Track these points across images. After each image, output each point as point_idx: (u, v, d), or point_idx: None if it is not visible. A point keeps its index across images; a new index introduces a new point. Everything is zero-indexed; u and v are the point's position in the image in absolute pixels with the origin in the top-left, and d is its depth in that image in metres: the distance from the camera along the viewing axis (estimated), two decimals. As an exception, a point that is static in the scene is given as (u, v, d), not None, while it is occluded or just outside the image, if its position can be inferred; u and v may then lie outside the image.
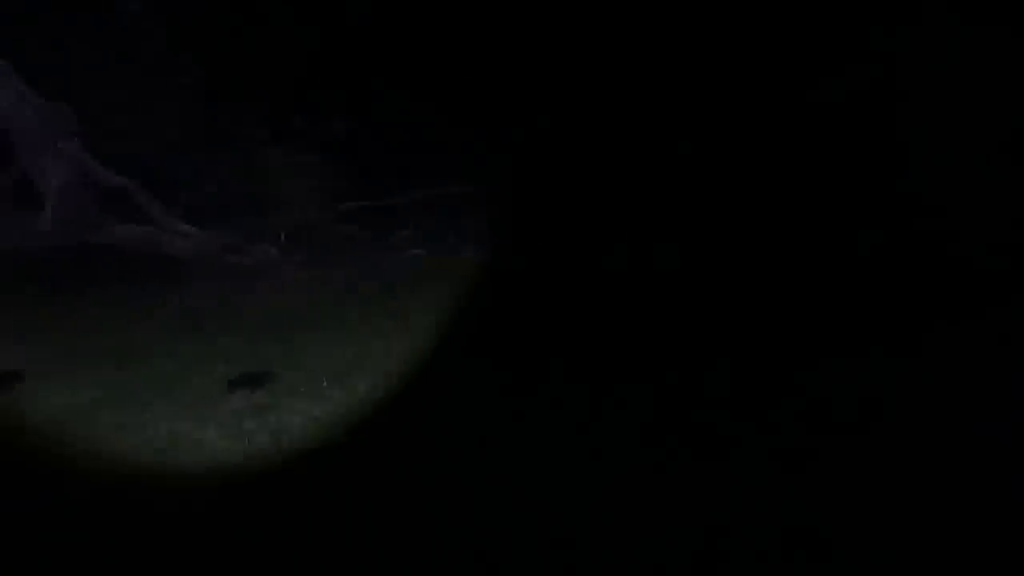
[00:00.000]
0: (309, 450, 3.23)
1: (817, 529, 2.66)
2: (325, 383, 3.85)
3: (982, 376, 3.30)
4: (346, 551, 2.77)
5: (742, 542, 2.64)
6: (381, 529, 2.86)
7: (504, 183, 6.28)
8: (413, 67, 6.42)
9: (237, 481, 3.01)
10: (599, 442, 3.30)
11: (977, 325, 3.63)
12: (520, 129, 6.15)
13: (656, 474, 3.00)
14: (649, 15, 5.59)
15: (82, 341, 4.29)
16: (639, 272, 4.76)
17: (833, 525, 2.66)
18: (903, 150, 4.67)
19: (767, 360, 3.69)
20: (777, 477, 2.90)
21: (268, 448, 3.22)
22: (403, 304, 5.11)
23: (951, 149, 4.49)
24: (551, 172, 5.99)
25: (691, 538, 2.66)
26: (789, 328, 3.91)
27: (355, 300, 5.24)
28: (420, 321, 4.84)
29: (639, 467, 3.06)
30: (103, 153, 5.01)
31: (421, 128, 6.51)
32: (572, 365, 4.02)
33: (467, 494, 3.01)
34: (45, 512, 2.92)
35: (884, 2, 4.97)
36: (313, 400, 3.65)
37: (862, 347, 3.65)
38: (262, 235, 5.77)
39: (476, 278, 5.53)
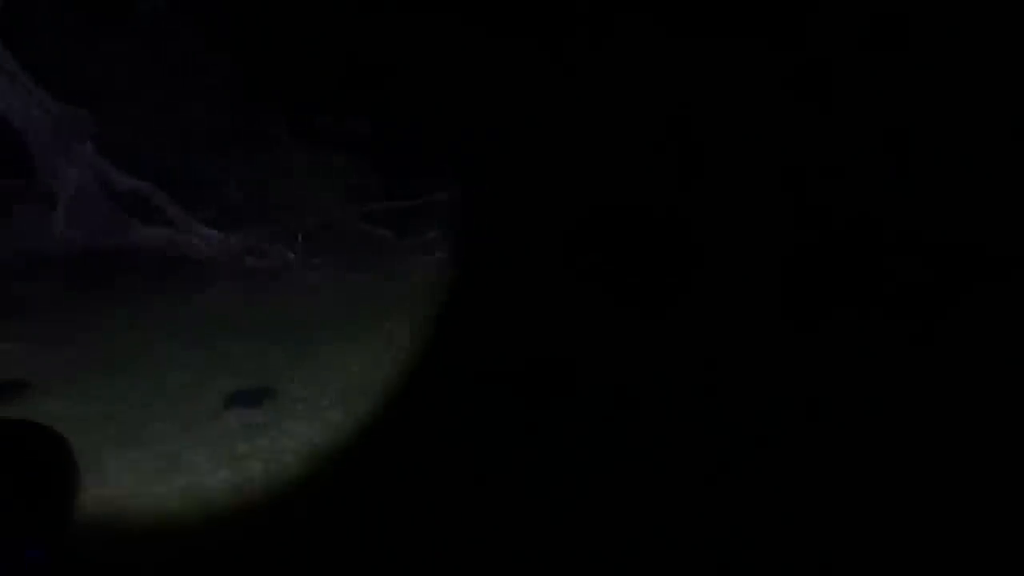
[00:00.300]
0: (299, 478, 3.16)
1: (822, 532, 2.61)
2: (327, 402, 3.78)
3: (981, 371, 3.23)
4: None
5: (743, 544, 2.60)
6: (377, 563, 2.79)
7: (528, 184, 6.13)
8: (438, 66, 6.27)
9: (220, 513, 2.95)
10: (610, 449, 3.25)
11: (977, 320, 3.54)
12: (544, 130, 5.98)
13: (663, 476, 2.97)
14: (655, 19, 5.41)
15: (96, 348, 4.31)
16: (655, 273, 4.66)
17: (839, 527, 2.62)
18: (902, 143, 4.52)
19: (766, 358, 3.61)
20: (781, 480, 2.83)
21: (257, 475, 3.16)
22: (420, 311, 5.00)
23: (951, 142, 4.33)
24: (574, 174, 5.81)
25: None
26: (788, 324, 3.83)
27: (373, 306, 5.15)
28: (437, 329, 4.73)
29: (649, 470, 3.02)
30: (122, 155, 5.01)
31: (446, 127, 6.38)
32: (589, 379, 3.92)
33: (476, 522, 2.94)
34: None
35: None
36: (310, 421, 3.58)
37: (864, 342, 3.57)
38: (282, 238, 5.72)
39: (499, 282, 5.41)
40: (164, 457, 3.31)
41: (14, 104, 4.25)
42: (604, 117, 6.00)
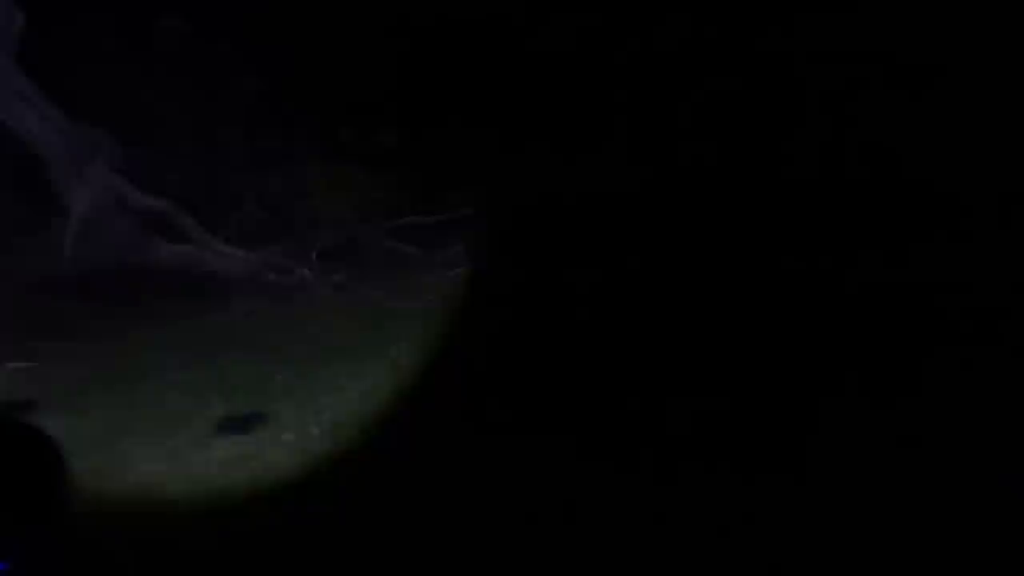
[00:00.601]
0: (270, 517, 3.01)
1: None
2: (317, 431, 3.63)
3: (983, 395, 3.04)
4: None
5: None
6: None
7: (557, 198, 5.90)
8: (464, 77, 6.12)
9: (182, 552, 2.83)
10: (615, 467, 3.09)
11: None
12: (570, 141, 5.75)
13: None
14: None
15: (100, 367, 4.32)
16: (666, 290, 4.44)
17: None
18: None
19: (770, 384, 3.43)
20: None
21: (227, 511, 3.03)
22: (436, 331, 4.83)
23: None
24: (601, 191, 5.56)
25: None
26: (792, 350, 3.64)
27: (386, 325, 5.01)
28: (450, 352, 4.54)
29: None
30: (140, 174, 5.04)
31: (473, 140, 6.21)
32: (598, 404, 3.67)
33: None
34: None
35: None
36: (294, 454, 3.43)
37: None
38: (302, 255, 5.66)
39: (520, 300, 5.19)
40: (139, 488, 3.23)
41: (30, 125, 4.33)
42: (638, 128, 5.75)
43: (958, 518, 2.52)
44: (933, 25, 4.68)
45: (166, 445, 3.56)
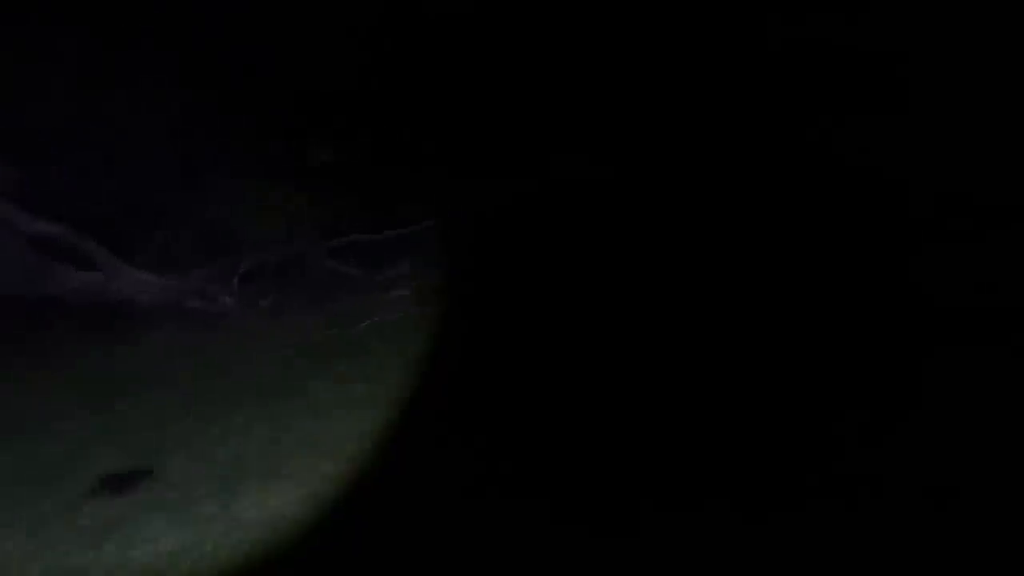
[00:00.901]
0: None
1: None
2: (203, 490, 3.20)
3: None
4: None
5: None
6: None
7: (501, 218, 5.55)
8: (403, 92, 5.77)
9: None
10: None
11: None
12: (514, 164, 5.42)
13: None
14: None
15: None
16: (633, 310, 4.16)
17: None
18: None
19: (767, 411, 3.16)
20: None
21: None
22: (364, 368, 4.39)
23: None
24: (550, 205, 5.22)
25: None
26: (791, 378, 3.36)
27: (309, 361, 4.58)
28: (372, 394, 4.10)
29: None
30: (42, 200, 4.59)
31: (412, 157, 5.84)
32: (561, 430, 3.29)
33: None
34: None
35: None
36: (175, 517, 3.00)
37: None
38: (225, 280, 5.23)
39: (462, 329, 4.81)
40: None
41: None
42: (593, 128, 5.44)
43: (959, 518, 2.42)
44: (935, 26, 4.49)
45: (31, 512, 3.12)
